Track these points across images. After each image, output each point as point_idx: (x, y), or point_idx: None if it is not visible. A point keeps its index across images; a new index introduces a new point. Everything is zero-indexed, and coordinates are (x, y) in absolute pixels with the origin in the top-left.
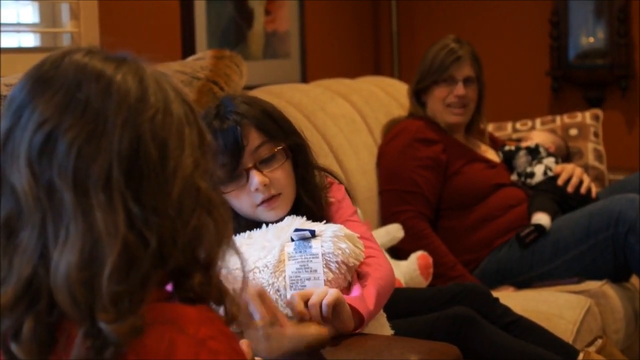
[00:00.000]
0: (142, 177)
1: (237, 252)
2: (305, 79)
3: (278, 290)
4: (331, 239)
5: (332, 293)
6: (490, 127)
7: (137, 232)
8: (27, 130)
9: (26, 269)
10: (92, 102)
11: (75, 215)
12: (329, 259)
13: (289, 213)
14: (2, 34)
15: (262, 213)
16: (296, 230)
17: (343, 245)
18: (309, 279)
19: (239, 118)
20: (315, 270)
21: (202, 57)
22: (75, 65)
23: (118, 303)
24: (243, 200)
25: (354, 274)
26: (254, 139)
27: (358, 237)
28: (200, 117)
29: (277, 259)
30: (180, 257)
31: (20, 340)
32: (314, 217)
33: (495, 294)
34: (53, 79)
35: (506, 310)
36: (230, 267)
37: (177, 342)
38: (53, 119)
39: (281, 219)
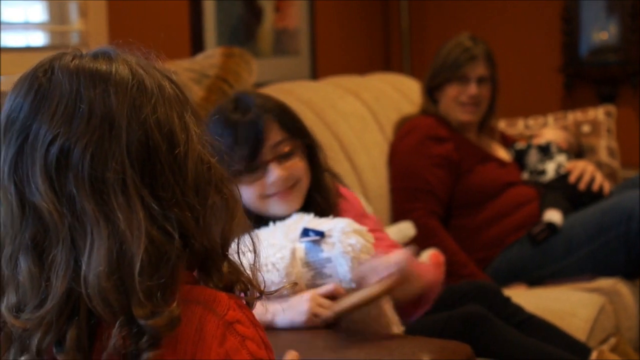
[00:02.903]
0: (156, 171)
1: (249, 228)
2: (315, 76)
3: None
4: (339, 237)
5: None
6: (501, 124)
7: (159, 227)
8: (38, 149)
9: (62, 284)
10: (95, 108)
11: (98, 222)
12: (339, 261)
13: (299, 212)
14: (10, 32)
15: (274, 205)
16: (304, 230)
17: (352, 241)
18: (325, 285)
19: (261, 112)
20: (330, 276)
21: (212, 55)
22: (67, 72)
23: (152, 297)
24: (253, 192)
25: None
26: (275, 134)
27: (367, 231)
28: (214, 110)
29: (288, 262)
30: (205, 239)
31: (64, 349)
32: (324, 215)
33: (507, 292)
34: (50, 91)
35: (517, 308)
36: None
37: (206, 320)
38: (62, 134)
39: (288, 216)
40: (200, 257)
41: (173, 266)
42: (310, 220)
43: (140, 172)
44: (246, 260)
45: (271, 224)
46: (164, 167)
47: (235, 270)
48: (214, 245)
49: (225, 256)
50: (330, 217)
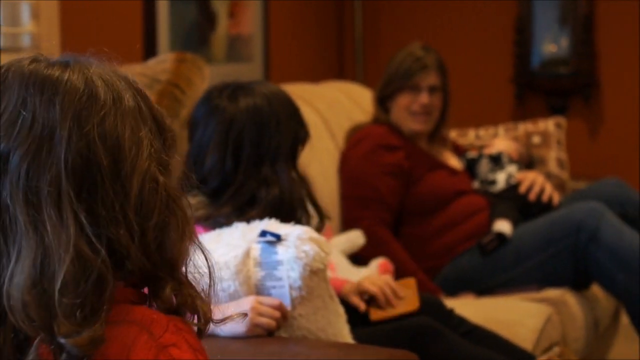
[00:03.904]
0: (95, 186)
1: (202, 248)
2: None
3: (234, 293)
4: (295, 243)
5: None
6: (453, 133)
7: (89, 243)
8: None
9: None
10: (37, 117)
11: (27, 233)
12: (292, 266)
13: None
14: None
15: None
16: (262, 231)
17: (306, 248)
18: (274, 287)
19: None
20: (280, 278)
21: (164, 60)
22: (20, 77)
23: (72, 315)
24: None
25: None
26: None
27: (325, 241)
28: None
29: (240, 261)
30: (143, 258)
31: None
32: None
33: (455, 301)
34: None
35: (461, 320)
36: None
37: (138, 341)
38: (3, 139)
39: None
40: (139, 277)
41: (99, 284)
42: (270, 224)
43: (77, 185)
44: (201, 282)
45: (234, 224)
46: (105, 181)
47: (183, 293)
48: (156, 265)
49: (173, 277)
50: (292, 223)
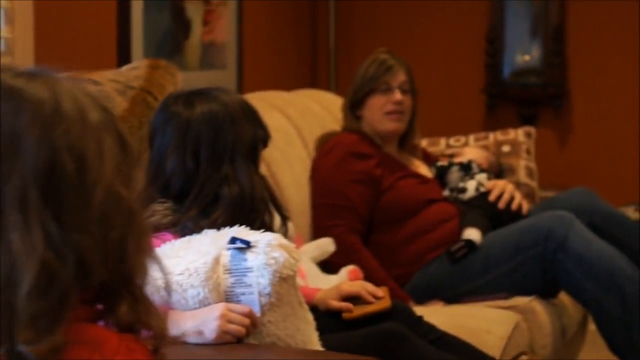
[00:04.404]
0: (61, 194)
1: (159, 262)
2: (241, 90)
3: (204, 300)
4: (264, 249)
5: None
6: (424, 143)
7: (56, 251)
8: None
9: None
10: (3, 122)
11: None
12: (261, 272)
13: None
14: None
15: None
16: (232, 238)
17: (276, 254)
18: (243, 294)
19: None
20: (250, 285)
21: (137, 67)
22: None
23: (36, 323)
24: None
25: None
26: None
27: (295, 247)
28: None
29: (209, 267)
30: (104, 271)
31: None
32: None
33: (424, 308)
34: None
35: (430, 327)
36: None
37: None
38: None
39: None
40: (94, 293)
41: (63, 294)
42: (239, 230)
43: (42, 192)
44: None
45: (204, 231)
46: (70, 189)
47: (139, 309)
48: (116, 279)
49: (130, 292)
50: (262, 230)
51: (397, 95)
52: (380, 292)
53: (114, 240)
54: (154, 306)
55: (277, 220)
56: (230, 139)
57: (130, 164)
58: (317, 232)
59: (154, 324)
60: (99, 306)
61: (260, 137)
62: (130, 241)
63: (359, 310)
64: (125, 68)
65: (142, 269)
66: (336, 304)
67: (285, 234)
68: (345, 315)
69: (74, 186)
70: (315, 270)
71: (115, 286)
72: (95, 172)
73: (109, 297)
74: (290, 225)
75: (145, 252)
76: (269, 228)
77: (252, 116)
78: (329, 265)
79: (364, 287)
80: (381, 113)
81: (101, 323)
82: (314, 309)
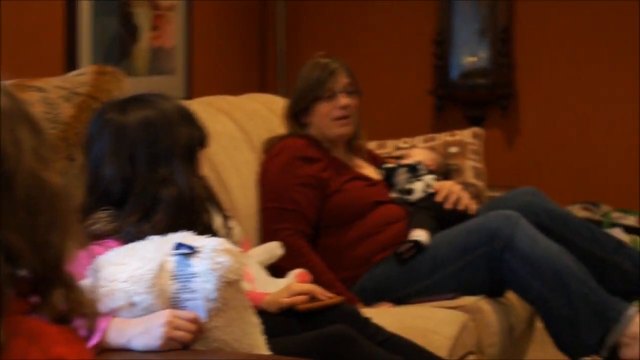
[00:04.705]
0: None
1: (83, 246)
2: (190, 95)
3: (150, 307)
4: (209, 254)
5: None
6: (372, 145)
7: None
8: None
9: None
10: None
11: None
12: (207, 277)
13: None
14: None
15: None
16: (177, 244)
17: (221, 259)
18: (189, 300)
19: None
20: (195, 291)
21: (83, 73)
22: None
23: None
24: None
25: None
26: None
27: (240, 252)
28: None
29: (154, 274)
30: (34, 258)
31: None
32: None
33: (373, 310)
34: None
35: (378, 329)
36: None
37: (27, 355)
38: None
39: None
40: (32, 283)
41: None
42: (185, 236)
43: None
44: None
45: (148, 237)
46: None
47: (72, 298)
48: (46, 266)
49: (61, 280)
50: (208, 235)
51: (343, 100)
52: (330, 295)
53: (41, 225)
54: (84, 290)
55: (217, 219)
56: (166, 142)
57: (46, 145)
58: (264, 236)
59: (88, 311)
60: (34, 299)
61: (197, 138)
62: (57, 224)
63: (311, 304)
64: (71, 74)
65: (70, 252)
66: (288, 299)
67: (228, 233)
68: (299, 306)
69: None
70: (263, 274)
71: (46, 274)
72: (13, 160)
73: (42, 287)
74: (237, 229)
75: (72, 235)
76: (210, 229)
77: (188, 118)
78: (277, 269)
79: (314, 288)
80: (328, 119)
81: (35, 316)
82: (262, 312)
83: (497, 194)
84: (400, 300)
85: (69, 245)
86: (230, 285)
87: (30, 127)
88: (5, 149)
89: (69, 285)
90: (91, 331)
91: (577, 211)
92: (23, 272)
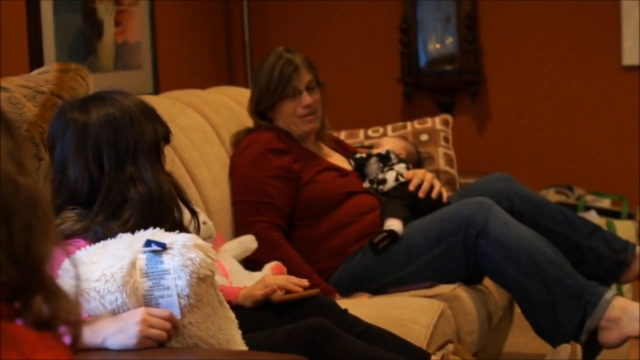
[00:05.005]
0: None
1: (66, 250)
2: (157, 90)
3: (123, 305)
4: (180, 250)
5: None
6: (342, 135)
7: None
8: None
9: None
10: None
11: None
12: (178, 274)
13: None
14: None
15: None
16: (148, 241)
17: (192, 255)
18: (162, 297)
19: None
20: (168, 287)
21: (47, 71)
22: None
23: None
24: None
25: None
26: None
27: (211, 247)
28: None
29: (126, 272)
30: (11, 265)
31: None
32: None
33: (350, 301)
34: None
35: (355, 320)
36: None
37: None
38: None
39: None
40: (8, 290)
41: None
42: (154, 233)
43: None
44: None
45: (118, 235)
46: None
47: (54, 304)
48: (25, 272)
49: (42, 285)
50: (177, 231)
51: (307, 99)
52: (305, 281)
53: (19, 230)
54: (68, 296)
55: (186, 215)
56: (131, 139)
57: (20, 148)
58: (238, 230)
59: (72, 318)
60: (16, 304)
61: (161, 134)
62: (35, 228)
63: (287, 296)
64: (35, 72)
65: (50, 256)
66: (262, 291)
67: (197, 228)
68: (274, 297)
69: None
70: (239, 268)
71: (26, 278)
72: None
73: (22, 292)
74: (210, 223)
75: (50, 238)
76: (180, 225)
77: (150, 114)
78: (252, 263)
79: (288, 280)
80: (294, 117)
81: (19, 322)
82: (237, 307)
83: (469, 180)
84: (377, 290)
85: (48, 249)
86: (202, 280)
87: (6, 129)
88: None
89: (51, 290)
90: (75, 338)
91: (552, 195)
92: (2, 277)
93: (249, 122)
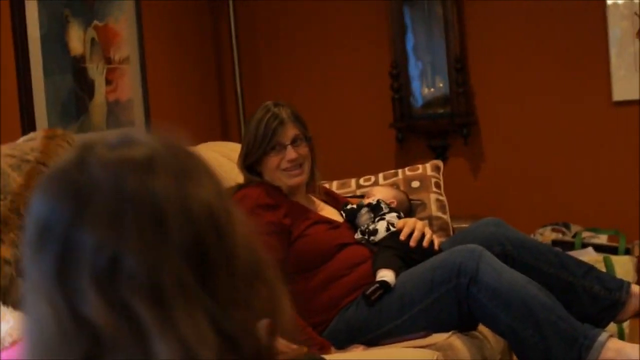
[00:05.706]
0: (209, 266)
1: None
2: None
3: None
4: None
5: None
6: (334, 185)
7: (223, 334)
8: (84, 258)
9: None
10: (139, 205)
11: (158, 329)
12: None
13: None
14: None
15: None
16: None
17: None
18: None
19: None
20: None
21: (33, 138)
22: (105, 166)
23: None
24: None
25: None
26: None
27: None
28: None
29: None
30: (254, 341)
31: None
32: None
33: (345, 354)
34: (88, 191)
35: None
36: None
37: None
38: (108, 240)
39: None
40: None
41: None
42: None
43: (195, 271)
44: None
45: None
46: (217, 260)
47: None
48: (260, 349)
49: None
50: None
51: (291, 154)
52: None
53: (263, 298)
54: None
55: None
56: None
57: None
58: None
59: None
60: None
61: None
62: (272, 299)
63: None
64: (21, 140)
65: (283, 334)
66: None
67: None
68: None
69: (218, 252)
70: None
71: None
72: (230, 233)
73: None
74: None
75: (285, 312)
76: None
77: None
78: None
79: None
80: (279, 171)
81: None
82: None
83: (463, 225)
84: (372, 341)
85: (283, 325)
86: None
87: (220, 189)
88: (219, 218)
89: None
90: None
91: (548, 233)
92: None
93: (239, 178)
